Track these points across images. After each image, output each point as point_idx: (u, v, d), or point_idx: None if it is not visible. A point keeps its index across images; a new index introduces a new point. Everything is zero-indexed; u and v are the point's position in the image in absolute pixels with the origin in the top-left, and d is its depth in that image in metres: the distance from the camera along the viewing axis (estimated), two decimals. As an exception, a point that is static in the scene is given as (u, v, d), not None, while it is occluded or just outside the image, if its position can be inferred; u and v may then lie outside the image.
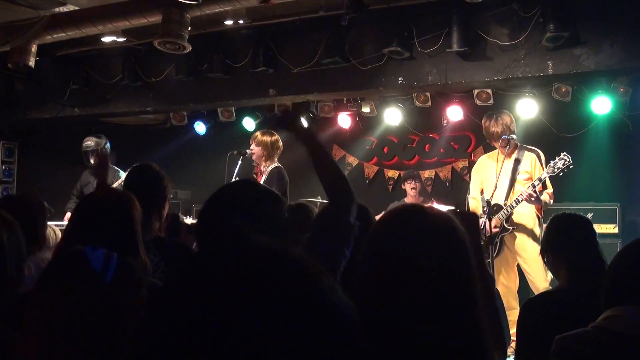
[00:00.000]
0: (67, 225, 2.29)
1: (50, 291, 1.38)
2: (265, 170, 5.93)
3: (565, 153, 4.96)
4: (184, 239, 3.14)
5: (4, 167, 8.56)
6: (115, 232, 2.04)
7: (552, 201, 5.18)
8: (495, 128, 5.26)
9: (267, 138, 5.95)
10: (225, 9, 5.47)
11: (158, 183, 3.02)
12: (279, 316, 0.70)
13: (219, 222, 1.78)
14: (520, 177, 5.17)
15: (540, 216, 5.17)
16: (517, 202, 5.03)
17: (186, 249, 2.92)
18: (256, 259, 0.75)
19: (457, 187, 7.91)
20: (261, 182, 5.91)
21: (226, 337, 0.68)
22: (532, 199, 4.94)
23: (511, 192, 5.15)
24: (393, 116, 7.59)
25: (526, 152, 5.22)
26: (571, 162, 4.90)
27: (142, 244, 2.18)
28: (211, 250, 0.79)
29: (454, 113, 7.32)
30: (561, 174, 4.95)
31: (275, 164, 5.94)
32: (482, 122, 5.53)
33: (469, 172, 7.89)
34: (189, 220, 6.08)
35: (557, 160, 4.95)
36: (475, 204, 5.32)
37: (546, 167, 5.02)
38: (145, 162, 3.21)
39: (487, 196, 5.13)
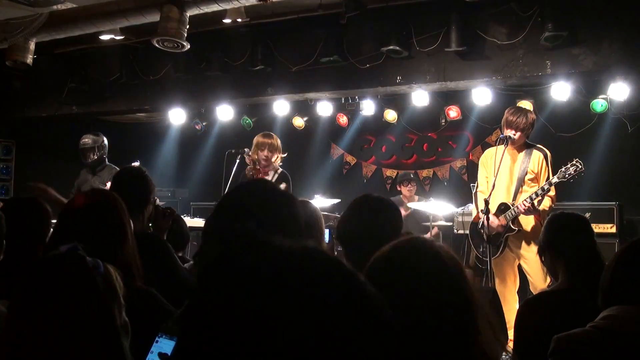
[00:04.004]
0: (53, 229, 2.30)
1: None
2: (273, 172, 5.96)
3: (577, 160, 4.88)
4: (159, 223, 3.22)
5: (1, 165, 8.54)
6: (93, 238, 2.02)
7: (553, 205, 5.12)
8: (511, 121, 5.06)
9: (278, 142, 5.99)
10: (224, 7, 5.46)
11: (143, 186, 3.09)
12: (329, 311, 0.70)
13: (233, 226, 1.73)
14: (527, 177, 5.11)
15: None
16: (518, 208, 4.98)
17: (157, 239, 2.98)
18: (291, 259, 0.75)
19: (455, 186, 7.91)
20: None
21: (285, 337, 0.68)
22: (530, 210, 4.90)
23: (519, 192, 5.09)
24: (391, 115, 7.58)
25: (534, 151, 5.15)
26: (583, 168, 4.84)
27: (125, 247, 2.16)
28: (236, 253, 0.77)
29: (453, 112, 7.32)
30: (572, 180, 4.89)
31: (280, 167, 5.99)
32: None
33: (467, 172, 7.91)
34: (187, 219, 6.09)
35: (568, 166, 4.86)
36: (482, 197, 5.23)
37: (556, 171, 4.94)
38: (134, 165, 3.22)
39: (485, 194, 5.10)
